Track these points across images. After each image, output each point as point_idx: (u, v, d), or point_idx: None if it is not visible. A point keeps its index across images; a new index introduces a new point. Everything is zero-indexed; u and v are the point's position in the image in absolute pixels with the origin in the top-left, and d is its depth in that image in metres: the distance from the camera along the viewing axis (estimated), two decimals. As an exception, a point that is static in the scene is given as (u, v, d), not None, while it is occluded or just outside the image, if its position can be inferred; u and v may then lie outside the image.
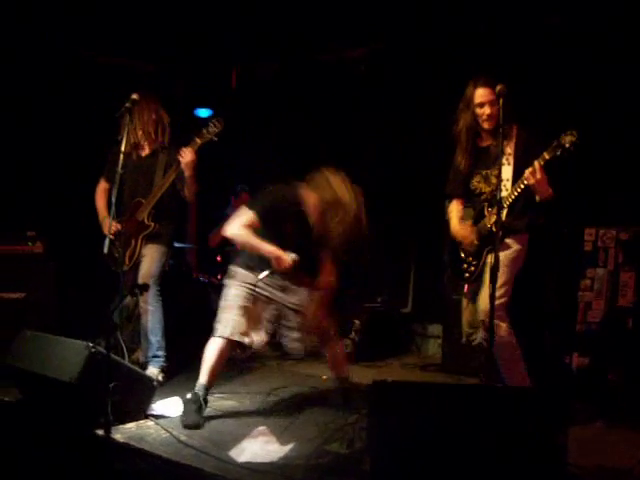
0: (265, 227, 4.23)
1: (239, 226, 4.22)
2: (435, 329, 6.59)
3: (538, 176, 3.82)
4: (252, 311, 4.32)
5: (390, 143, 6.76)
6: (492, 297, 3.57)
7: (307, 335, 4.49)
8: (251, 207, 4.27)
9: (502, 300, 4.07)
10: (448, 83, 4.44)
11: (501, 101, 3.69)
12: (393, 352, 6.50)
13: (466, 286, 4.33)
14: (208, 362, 4.31)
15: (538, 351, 4.96)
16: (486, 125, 4.09)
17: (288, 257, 4.17)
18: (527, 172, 3.86)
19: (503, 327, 4.07)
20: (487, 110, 4.05)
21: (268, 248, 4.19)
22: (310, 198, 4.25)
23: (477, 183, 4.26)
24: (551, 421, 2.88)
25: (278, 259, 4.17)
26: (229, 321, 4.27)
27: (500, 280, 4.03)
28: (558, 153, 3.75)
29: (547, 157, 3.79)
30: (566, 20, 5.37)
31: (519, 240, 4.16)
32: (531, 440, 2.84)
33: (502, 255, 4.04)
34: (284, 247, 4.20)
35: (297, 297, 4.42)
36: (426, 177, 4.50)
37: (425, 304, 6.79)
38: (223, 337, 4.28)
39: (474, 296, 4.26)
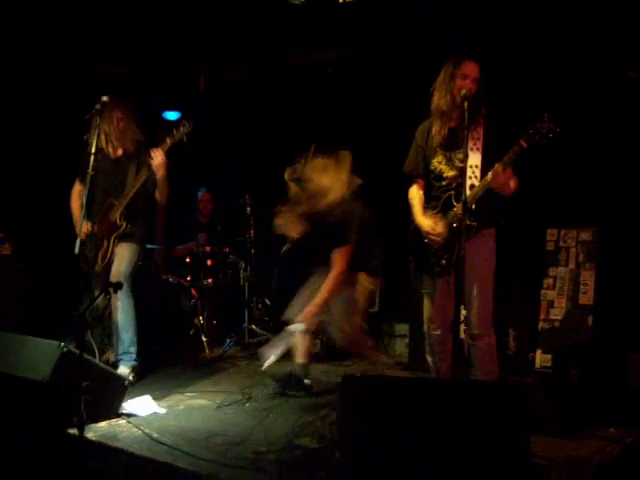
0: None
1: None
2: (402, 328, 6.66)
3: (501, 180, 3.80)
4: None
5: (358, 143, 6.84)
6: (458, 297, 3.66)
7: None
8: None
9: (491, 307, 4.06)
10: (415, 85, 4.49)
11: (466, 104, 3.79)
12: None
13: (438, 281, 4.12)
14: None
15: (502, 348, 5.07)
16: (461, 100, 3.84)
17: None
18: (489, 176, 3.81)
19: (493, 339, 4.06)
20: (469, 84, 3.89)
21: None
22: None
23: (438, 164, 4.09)
24: (515, 413, 2.97)
25: None
26: None
27: (489, 283, 4.06)
28: (536, 139, 3.67)
29: (524, 145, 3.70)
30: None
31: (492, 234, 4.09)
32: (496, 432, 2.93)
33: (486, 252, 4.06)
34: None
35: None
36: (393, 177, 4.53)
37: (392, 304, 6.86)
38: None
39: (447, 293, 4.05)
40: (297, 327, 4.70)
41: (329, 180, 4.60)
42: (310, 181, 4.63)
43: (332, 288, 4.70)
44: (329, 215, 4.64)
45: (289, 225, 4.78)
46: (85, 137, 5.04)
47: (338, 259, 4.70)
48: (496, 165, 3.80)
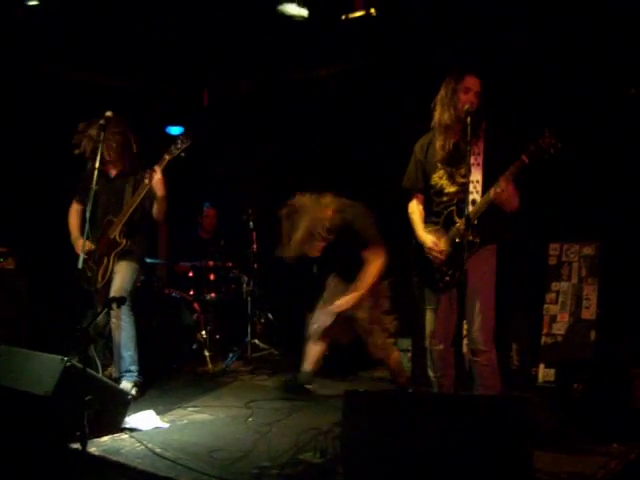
0: None
1: None
2: (404, 343, 6.62)
3: (504, 195, 3.80)
4: None
5: (359, 159, 6.87)
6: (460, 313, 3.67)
7: None
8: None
9: (492, 323, 4.05)
10: (417, 99, 4.51)
11: (469, 119, 3.80)
12: (363, 366, 6.55)
13: (441, 297, 4.11)
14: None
15: (505, 363, 5.06)
16: (464, 115, 3.84)
17: None
18: (494, 190, 3.79)
19: (494, 354, 4.06)
20: (472, 98, 3.90)
21: None
22: None
23: (439, 179, 4.09)
24: (518, 428, 2.97)
25: None
26: None
27: (491, 299, 4.05)
28: (538, 155, 3.67)
29: (526, 160, 3.70)
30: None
31: (494, 249, 4.08)
32: (499, 447, 2.93)
33: (487, 268, 4.05)
34: None
35: None
36: (396, 191, 4.53)
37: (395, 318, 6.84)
38: None
39: (449, 308, 4.06)
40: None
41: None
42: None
43: (374, 277, 4.86)
44: (337, 224, 4.83)
45: (308, 248, 4.91)
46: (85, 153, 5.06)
47: (374, 256, 4.85)
48: (500, 180, 3.79)
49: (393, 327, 5.13)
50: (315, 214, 4.79)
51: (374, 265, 4.84)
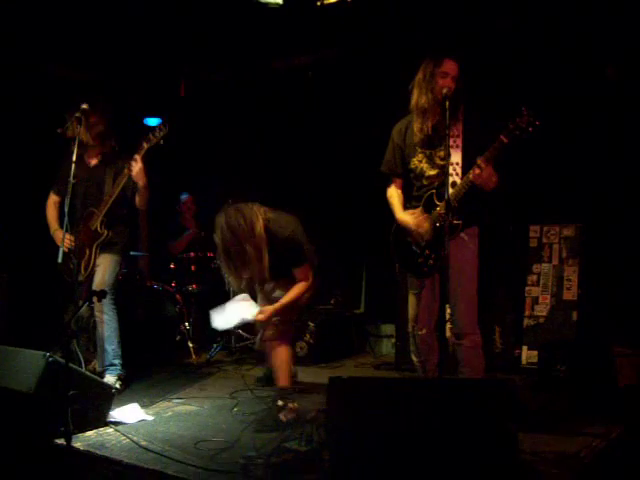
0: None
1: None
2: (388, 329, 6.68)
3: (484, 175, 3.80)
4: None
5: (338, 147, 6.86)
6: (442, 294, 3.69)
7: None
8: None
9: (476, 306, 4.06)
10: (395, 88, 4.50)
11: (447, 104, 3.78)
12: (347, 353, 6.58)
13: (425, 281, 4.12)
14: None
15: (488, 345, 5.08)
16: (441, 99, 3.83)
17: None
18: (473, 172, 3.81)
19: (479, 337, 4.07)
20: (449, 83, 3.90)
21: None
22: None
23: (418, 162, 4.09)
24: (502, 410, 2.98)
25: None
26: None
27: (474, 282, 4.06)
28: (517, 134, 3.68)
29: (505, 140, 3.70)
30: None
31: (476, 232, 4.09)
32: (484, 429, 2.94)
33: (469, 251, 4.06)
34: None
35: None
36: (373, 178, 4.53)
37: (378, 304, 6.87)
38: None
39: (432, 292, 4.09)
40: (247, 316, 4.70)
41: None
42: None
43: (297, 297, 4.62)
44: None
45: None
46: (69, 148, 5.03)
47: (303, 276, 4.61)
48: (478, 161, 3.80)
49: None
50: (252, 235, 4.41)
51: (300, 287, 4.61)
